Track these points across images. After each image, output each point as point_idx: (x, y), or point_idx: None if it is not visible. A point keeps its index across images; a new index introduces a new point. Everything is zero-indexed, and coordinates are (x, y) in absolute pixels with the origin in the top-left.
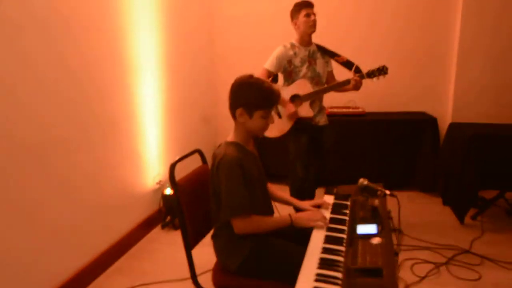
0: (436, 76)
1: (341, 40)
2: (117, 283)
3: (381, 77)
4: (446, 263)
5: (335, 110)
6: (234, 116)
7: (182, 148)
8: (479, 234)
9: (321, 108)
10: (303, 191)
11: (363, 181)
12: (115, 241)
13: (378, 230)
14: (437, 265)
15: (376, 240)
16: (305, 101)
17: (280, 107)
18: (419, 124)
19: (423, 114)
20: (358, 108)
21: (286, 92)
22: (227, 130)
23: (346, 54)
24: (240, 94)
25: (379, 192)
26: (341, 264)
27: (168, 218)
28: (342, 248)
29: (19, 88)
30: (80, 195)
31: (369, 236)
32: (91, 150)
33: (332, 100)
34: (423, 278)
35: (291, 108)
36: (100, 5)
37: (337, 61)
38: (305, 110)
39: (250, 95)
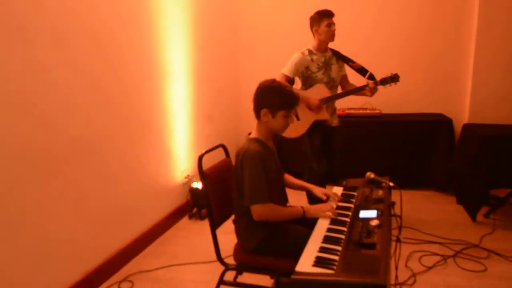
0: (453, 78)
1: (363, 45)
2: (151, 264)
3: (393, 84)
4: (453, 256)
5: (353, 111)
6: (258, 116)
7: (208, 146)
8: (490, 231)
9: (334, 110)
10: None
11: (369, 174)
12: (148, 227)
13: (378, 214)
14: (445, 258)
15: (374, 222)
16: (323, 105)
17: (298, 110)
18: (434, 125)
19: (439, 116)
20: (375, 109)
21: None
22: (247, 129)
23: (368, 58)
24: (265, 96)
25: (383, 184)
26: (342, 240)
27: (195, 209)
28: (345, 229)
29: (73, 90)
30: (121, 184)
31: (369, 219)
32: (132, 146)
33: (349, 102)
34: (430, 268)
35: (314, 100)
36: (140, 13)
37: (351, 67)
38: (322, 114)
39: (274, 97)
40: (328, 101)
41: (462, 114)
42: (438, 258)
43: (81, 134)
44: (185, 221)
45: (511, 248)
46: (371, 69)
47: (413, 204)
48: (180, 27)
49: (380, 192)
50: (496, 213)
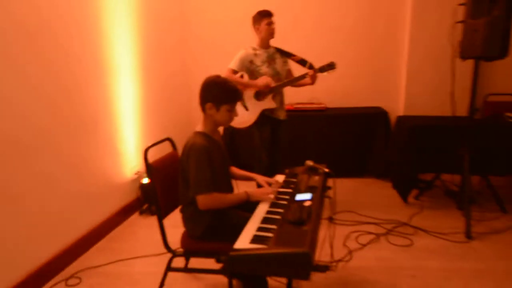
0: (390, 74)
1: (306, 43)
2: (99, 260)
3: (331, 71)
4: (385, 234)
5: (300, 105)
6: (203, 109)
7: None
8: (419, 211)
9: (282, 104)
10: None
11: (308, 163)
12: (95, 225)
13: (311, 197)
14: (378, 235)
15: (307, 203)
16: (267, 95)
17: (247, 101)
18: (373, 118)
19: (378, 109)
20: (320, 104)
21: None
22: (197, 122)
23: (310, 55)
24: (209, 90)
25: (320, 171)
26: (278, 220)
27: (146, 205)
28: (281, 210)
29: (5, 87)
30: (64, 184)
31: (303, 201)
32: (74, 145)
33: (297, 97)
34: (364, 245)
35: (263, 79)
36: (82, 10)
37: (293, 60)
38: (269, 103)
39: (218, 92)
40: (274, 90)
41: (398, 107)
42: (372, 236)
43: (16, 134)
44: (135, 217)
45: (435, 225)
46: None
47: (354, 190)
48: (123, 19)
49: (317, 178)
50: (425, 195)
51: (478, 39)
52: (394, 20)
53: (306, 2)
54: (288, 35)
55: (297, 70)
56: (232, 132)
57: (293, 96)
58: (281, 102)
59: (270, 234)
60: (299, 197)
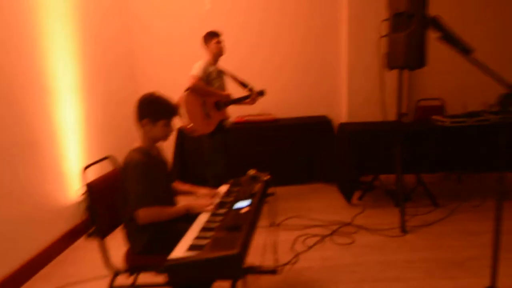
0: (333, 85)
1: (248, 58)
2: (42, 287)
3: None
4: (330, 235)
5: (251, 118)
6: (140, 125)
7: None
8: (362, 210)
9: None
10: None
11: (251, 172)
12: (38, 251)
13: (249, 204)
14: (323, 237)
15: (244, 210)
16: (225, 107)
17: (209, 109)
18: (319, 126)
19: (323, 118)
20: (270, 115)
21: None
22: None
23: (253, 70)
24: (145, 106)
25: (261, 179)
26: (216, 228)
27: (93, 228)
28: (220, 218)
29: None
30: (1, 211)
31: (241, 209)
32: (10, 169)
33: (248, 110)
34: (310, 247)
35: (225, 93)
36: (18, 28)
37: (235, 81)
38: (224, 114)
39: (154, 108)
40: (229, 104)
41: (342, 115)
42: (318, 238)
43: None
44: (82, 241)
45: (375, 222)
46: (259, 79)
47: (304, 195)
48: (62, 36)
49: (258, 186)
50: (367, 195)
51: (400, 51)
52: (333, 33)
53: (247, 16)
54: (229, 51)
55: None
56: (182, 143)
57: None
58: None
59: (205, 242)
60: (238, 205)
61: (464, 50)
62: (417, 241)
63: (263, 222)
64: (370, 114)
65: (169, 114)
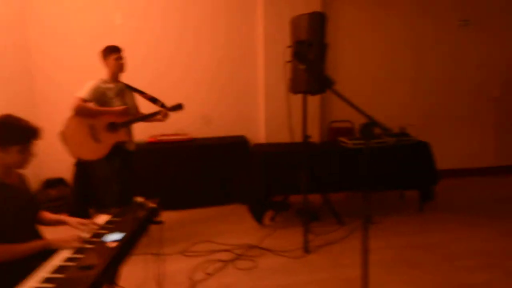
0: (251, 105)
1: (162, 75)
2: None
3: (179, 111)
4: (233, 260)
5: (165, 137)
6: None
7: None
8: (272, 232)
9: (131, 136)
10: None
11: (137, 199)
12: None
13: (121, 237)
14: (226, 262)
15: (112, 244)
16: (121, 128)
17: (99, 132)
18: (236, 147)
19: (241, 138)
20: (186, 134)
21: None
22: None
23: (168, 87)
24: None
25: (146, 207)
26: (70, 268)
27: None
28: (82, 256)
29: None
30: None
31: (109, 242)
32: None
33: (163, 129)
34: (211, 275)
35: (119, 108)
36: None
37: (144, 97)
38: (122, 135)
39: (4, 132)
40: (127, 125)
41: (259, 136)
42: (220, 264)
43: None
44: None
45: (282, 244)
46: (174, 97)
47: (216, 218)
48: None
49: (141, 214)
50: (281, 215)
51: (301, 77)
52: (251, 53)
53: (161, 32)
54: (140, 67)
55: (144, 106)
56: (84, 167)
57: (156, 128)
58: (130, 134)
59: (51, 285)
60: (109, 237)
61: (327, 82)
62: (318, 261)
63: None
64: (288, 135)
65: (23, 139)
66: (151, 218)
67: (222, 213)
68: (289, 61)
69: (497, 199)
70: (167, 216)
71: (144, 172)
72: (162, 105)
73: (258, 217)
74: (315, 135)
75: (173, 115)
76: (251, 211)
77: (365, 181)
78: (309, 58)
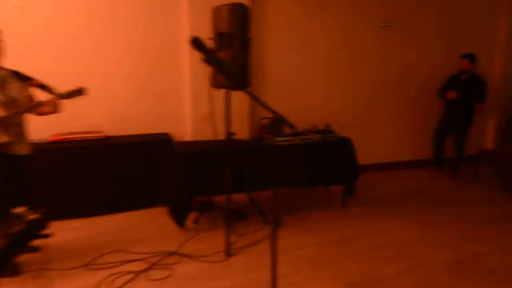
0: (176, 101)
1: (86, 71)
2: None
3: (79, 97)
4: (146, 270)
5: (72, 136)
6: None
7: None
8: (194, 235)
9: (21, 136)
10: None
11: (17, 210)
12: None
13: None
14: (138, 273)
15: None
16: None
17: None
18: (158, 145)
19: (164, 135)
20: (100, 132)
21: None
22: None
23: (93, 84)
24: None
25: (25, 219)
26: None
27: None
28: None
29: None
30: None
31: None
32: None
33: (71, 126)
34: None
35: None
36: None
37: (30, 85)
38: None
39: None
40: (4, 122)
41: (186, 133)
42: (131, 275)
43: None
44: None
45: (204, 248)
46: (96, 95)
47: (134, 224)
48: None
49: (17, 228)
50: (206, 217)
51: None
52: (175, 46)
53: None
54: (39, 53)
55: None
56: None
57: (62, 125)
58: (19, 134)
59: None
60: None
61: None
62: (240, 264)
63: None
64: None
65: None
66: (32, 231)
67: (141, 218)
68: None
69: (413, 191)
70: (73, 225)
71: (44, 178)
72: (51, 92)
73: (180, 221)
74: (244, 132)
75: (88, 112)
76: (172, 214)
77: (274, 179)
78: (209, 48)
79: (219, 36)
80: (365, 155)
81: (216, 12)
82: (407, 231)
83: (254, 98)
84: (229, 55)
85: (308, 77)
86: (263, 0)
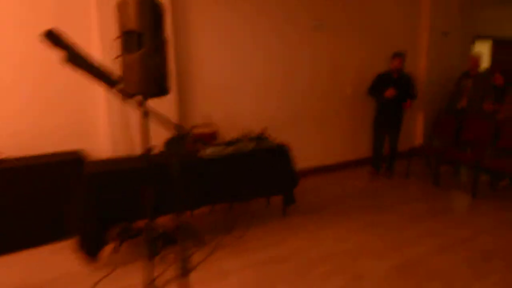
0: (90, 114)
1: None
2: None
3: None
4: None
5: None
6: None
7: None
8: (111, 270)
9: None
10: None
11: None
12: None
13: None
14: None
15: None
16: None
17: None
18: (68, 165)
19: (75, 154)
20: None
21: None
22: None
23: None
24: None
25: None
26: None
27: None
28: None
29: None
30: None
31: None
32: None
33: None
34: None
35: None
36: None
37: None
38: None
39: None
40: None
41: (102, 150)
42: None
43: None
44: None
45: (124, 286)
46: None
47: (37, 264)
48: None
49: None
50: (128, 245)
51: (133, 76)
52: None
53: None
54: None
55: None
56: None
57: None
58: None
59: None
60: None
61: (110, 81)
62: None
63: None
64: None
65: None
66: None
67: (47, 255)
68: (117, 56)
69: (350, 194)
70: None
71: None
72: None
73: (92, 254)
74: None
75: None
76: (82, 248)
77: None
78: (68, 43)
79: (126, 35)
80: (303, 159)
81: (121, 7)
82: (344, 239)
83: (151, 111)
84: (138, 57)
85: (239, 81)
86: (187, 1)
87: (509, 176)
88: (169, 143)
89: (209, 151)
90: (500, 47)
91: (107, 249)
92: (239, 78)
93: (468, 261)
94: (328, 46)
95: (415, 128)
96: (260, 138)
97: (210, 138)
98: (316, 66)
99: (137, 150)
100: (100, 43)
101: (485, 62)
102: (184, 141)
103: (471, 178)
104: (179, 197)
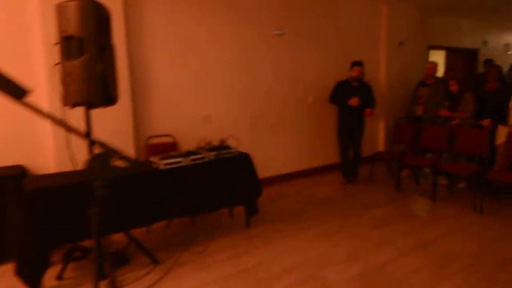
0: (32, 124)
1: None
2: None
3: None
4: None
5: None
6: None
7: None
8: None
9: None
10: None
11: None
12: None
13: None
14: None
15: None
16: None
17: None
18: (7, 181)
19: (15, 168)
20: None
21: None
22: None
23: None
24: None
25: None
26: None
27: None
28: None
29: None
30: None
31: None
32: None
33: None
34: None
35: None
36: None
37: None
38: None
39: None
40: None
41: (48, 164)
42: None
43: None
44: None
45: None
46: None
47: None
48: None
49: None
50: (74, 267)
51: (73, 84)
52: (23, 50)
53: None
54: None
55: None
56: None
57: None
58: None
59: None
60: None
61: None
62: None
63: None
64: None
65: None
66: None
67: None
68: (57, 63)
69: (314, 201)
70: None
71: None
72: None
73: (32, 281)
74: (128, 155)
75: None
76: (20, 274)
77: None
78: None
79: (66, 41)
80: (266, 168)
81: (61, 11)
82: (308, 248)
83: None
84: (79, 64)
85: (199, 89)
86: (141, 6)
87: (466, 178)
88: (93, 160)
89: (166, 162)
90: (453, 56)
91: (51, 273)
92: (199, 86)
93: (428, 266)
94: (289, 53)
95: (377, 135)
96: (221, 147)
97: (169, 148)
98: (277, 73)
99: (81, 165)
100: (43, 46)
101: (440, 71)
102: (109, 158)
103: (431, 181)
104: (101, 218)
